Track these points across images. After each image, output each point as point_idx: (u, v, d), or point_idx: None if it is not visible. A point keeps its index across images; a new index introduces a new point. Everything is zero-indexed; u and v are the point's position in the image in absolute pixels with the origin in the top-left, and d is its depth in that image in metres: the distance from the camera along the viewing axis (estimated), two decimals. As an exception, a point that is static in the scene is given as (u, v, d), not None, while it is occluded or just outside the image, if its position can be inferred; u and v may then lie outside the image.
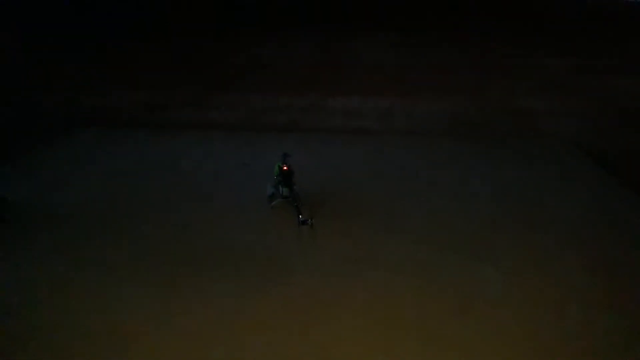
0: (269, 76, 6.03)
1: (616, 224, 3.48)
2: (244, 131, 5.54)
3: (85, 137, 5.30)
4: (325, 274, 2.90)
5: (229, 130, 5.58)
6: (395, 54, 6.05)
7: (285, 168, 3.52)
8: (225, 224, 3.49)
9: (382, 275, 2.87)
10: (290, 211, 3.44)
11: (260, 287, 2.77)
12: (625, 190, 3.99)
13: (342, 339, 2.39)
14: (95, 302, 2.65)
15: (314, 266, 2.98)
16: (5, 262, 3.02)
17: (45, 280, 2.84)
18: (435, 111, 5.58)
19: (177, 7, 6.44)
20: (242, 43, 6.29)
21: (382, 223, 3.48)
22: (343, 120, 5.62)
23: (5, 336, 2.41)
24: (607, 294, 2.72)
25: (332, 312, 2.58)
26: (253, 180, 4.09)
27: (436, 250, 3.12)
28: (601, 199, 3.85)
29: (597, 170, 4.39)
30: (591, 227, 3.44)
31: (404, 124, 5.54)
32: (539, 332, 2.44)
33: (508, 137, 5.29)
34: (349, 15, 6.13)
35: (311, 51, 6.07)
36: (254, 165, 4.44)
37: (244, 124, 5.69)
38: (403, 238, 3.27)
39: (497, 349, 2.32)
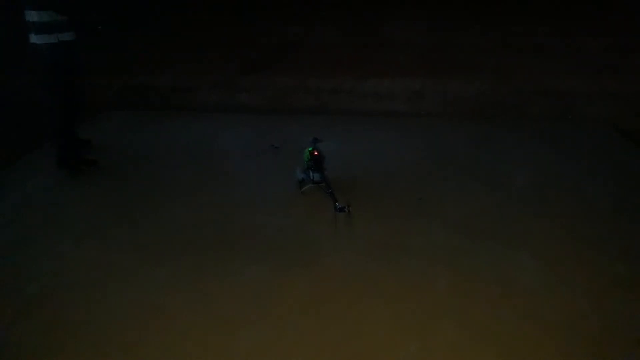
0: (298, 58, 5.98)
1: (660, 212, 3.34)
2: (272, 114, 5.53)
3: (113, 120, 5.37)
4: (357, 259, 2.88)
5: (257, 112, 5.57)
6: (426, 35, 5.92)
7: (316, 153, 3.48)
8: (255, 207, 3.49)
9: (415, 261, 2.83)
10: (321, 196, 3.42)
11: (291, 272, 2.77)
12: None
13: (375, 326, 2.37)
14: (130, 284, 2.70)
15: (345, 252, 2.96)
16: (42, 245, 3.10)
17: (80, 262, 2.91)
18: (467, 93, 5.44)
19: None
20: (270, 25, 6.25)
21: (414, 208, 3.42)
22: (373, 103, 5.54)
23: (42, 319, 2.47)
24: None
25: (364, 298, 2.56)
26: (282, 163, 4.08)
27: (471, 237, 3.06)
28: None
29: (639, 155, 4.22)
30: (633, 214, 3.31)
31: (435, 106, 5.43)
32: (579, 321, 2.37)
33: (544, 120, 5.14)
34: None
35: (340, 33, 5.98)
36: (283, 148, 4.42)
37: (273, 107, 5.67)
38: (436, 224, 3.21)
39: (535, 339, 2.27)
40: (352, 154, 4.33)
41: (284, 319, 2.43)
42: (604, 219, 3.25)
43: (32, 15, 3.46)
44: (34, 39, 3.55)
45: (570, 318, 2.39)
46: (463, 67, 5.69)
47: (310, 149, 3.54)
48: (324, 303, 2.53)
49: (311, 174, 3.50)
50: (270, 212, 3.42)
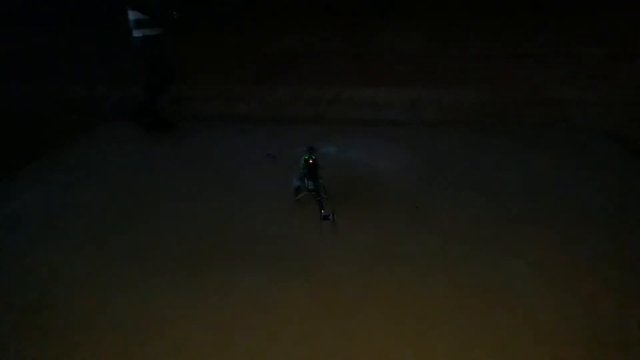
0: (296, 68, 6.02)
1: (653, 218, 3.36)
2: (270, 123, 5.55)
3: (110, 131, 5.39)
4: (352, 267, 2.90)
5: (255, 122, 5.60)
6: (423, 44, 5.97)
7: (311, 162, 3.51)
8: (252, 217, 3.51)
9: (409, 269, 2.85)
10: (316, 204, 3.44)
11: (287, 281, 2.79)
12: (664, 183, 3.84)
13: (370, 333, 2.39)
14: (129, 294, 2.71)
15: (341, 260, 2.97)
16: (39, 256, 3.12)
17: (79, 273, 2.92)
18: (463, 102, 5.48)
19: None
20: (268, 35, 6.29)
21: (409, 216, 3.44)
22: (370, 112, 5.57)
23: (41, 330, 2.49)
24: (643, 289, 2.64)
25: (359, 306, 2.58)
26: (279, 172, 4.10)
27: (464, 244, 3.08)
28: (636, 192, 3.72)
29: (632, 162, 4.24)
30: (625, 220, 3.33)
31: (432, 115, 5.47)
32: (572, 327, 2.38)
33: (538, 127, 5.16)
34: (376, 5, 6.07)
35: (338, 42, 6.03)
36: (280, 157, 4.44)
37: (271, 116, 5.70)
38: (430, 232, 3.23)
39: (529, 345, 2.28)
40: (349, 162, 4.35)
41: (282, 327, 2.44)
42: (597, 225, 3.27)
43: (130, 14, 4.49)
44: (133, 33, 4.57)
45: (564, 324, 2.40)
46: (459, 76, 5.74)
47: (306, 157, 3.56)
48: (321, 311, 2.54)
49: (306, 181, 3.53)
50: (268, 221, 3.44)
